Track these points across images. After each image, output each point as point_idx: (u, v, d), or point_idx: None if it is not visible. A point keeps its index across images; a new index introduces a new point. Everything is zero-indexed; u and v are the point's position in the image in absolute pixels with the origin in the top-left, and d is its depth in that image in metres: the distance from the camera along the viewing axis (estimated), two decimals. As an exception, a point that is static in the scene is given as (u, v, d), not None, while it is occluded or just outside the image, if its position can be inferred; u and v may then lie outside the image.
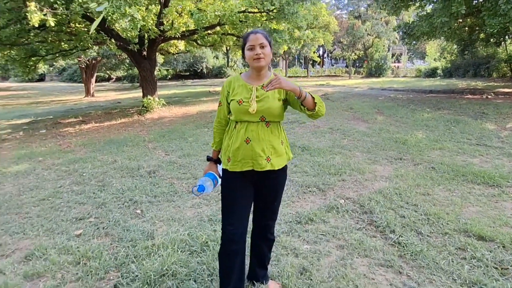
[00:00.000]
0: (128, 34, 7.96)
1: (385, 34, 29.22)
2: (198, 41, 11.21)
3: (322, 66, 39.10)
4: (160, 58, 20.57)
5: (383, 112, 8.57)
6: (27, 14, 5.65)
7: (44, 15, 5.78)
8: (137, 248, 2.54)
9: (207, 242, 2.56)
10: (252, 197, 1.81)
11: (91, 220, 3.10)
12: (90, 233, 2.85)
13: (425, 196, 3.44)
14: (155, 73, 10.42)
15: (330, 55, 40.65)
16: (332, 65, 42.96)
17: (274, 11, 8.27)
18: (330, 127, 6.91)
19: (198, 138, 6.42)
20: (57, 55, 10.36)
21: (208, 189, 1.77)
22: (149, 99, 9.71)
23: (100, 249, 2.54)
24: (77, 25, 8.90)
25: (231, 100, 1.71)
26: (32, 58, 9.39)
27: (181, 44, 12.53)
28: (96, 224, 3.01)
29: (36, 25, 5.83)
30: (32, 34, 8.01)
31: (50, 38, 8.68)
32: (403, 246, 2.50)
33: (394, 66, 31.11)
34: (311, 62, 36.55)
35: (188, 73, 32.61)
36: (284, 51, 20.14)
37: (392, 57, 33.67)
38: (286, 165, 1.81)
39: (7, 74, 19.38)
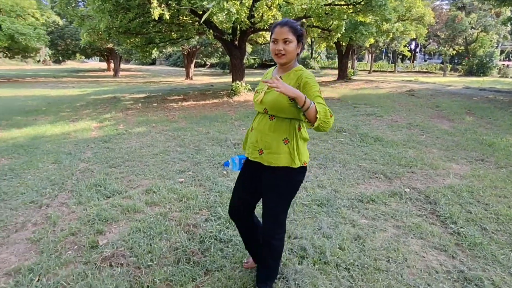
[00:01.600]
0: (224, 26, 8.65)
1: (494, 27, 24.99)
2: None
3: (412, 61, 35.56)
4: (248, 48, 21.49)
5: (474, 113, 7.70)
6: (150, 9, 6.71)
7: (162, 10, 6.79)
8: (222, 197, 3.08)
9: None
10: (251, 182, 1.75)
11: (190, 173, 3.78)
12: (189, 182, 3.51)
13: (500, 198, 3.22)
14: (244, 61, 11.11)
15: (423, 50, 36.59)
16: (425, 61, 38.68)
17: (362, 3, 8.00)
18: (408, 122, 6.59)
19: (277, 121, 6.84)
20: (167, 43, 11.84)
21: (233, 167, 1.94)
22: (237, 84, 10.47)
23: (196, 193, 3.15)
24: (184, 18, 10.03)
25: None
26: (149, 45, 10.95)
27: (268, 35, 12.94)
28: (193, 177, 3.67)
29: (156, 18, 6.88)
30: (151, 25, 9.37)
31: (163, 29, 10.01)
32: (462, 237, 2.50)
33: (503, 64, 26.49)
34: (400, 56, 33.59)
35: (273, 63, 33.20)
36: (371, 44, 18.99)
37: (500, 54, 28.69)
38: (289, 168, 1.60)
39: (130, 57, 22.74)
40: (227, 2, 6.60)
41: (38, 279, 1.98)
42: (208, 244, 2.31)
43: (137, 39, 9.96)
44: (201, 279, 1.97)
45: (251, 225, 1.89)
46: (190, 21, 9.93)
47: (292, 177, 1.64)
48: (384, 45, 25.94)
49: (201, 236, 2.41)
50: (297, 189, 1.73)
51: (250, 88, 10.86)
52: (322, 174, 3.77)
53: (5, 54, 19.49)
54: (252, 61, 33.76)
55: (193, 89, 14.62)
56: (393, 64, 31.17)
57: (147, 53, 12.12)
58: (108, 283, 1.91)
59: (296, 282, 1.95)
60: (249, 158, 1.71)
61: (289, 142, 1.60)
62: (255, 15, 8.24)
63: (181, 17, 9.81)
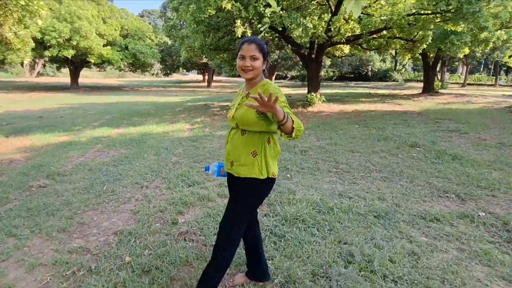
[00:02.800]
0: (302, 40, 8.78)
1: None
2: (363, 45, 10.96)
3: (520, 74, 29.61)
4: (327, 61, 21.12)
5: None
6: (234, 28, 7.33)
7: (245, 28, 7.33)
8: (282, 197, 3.21)
9: (333, 207, 2.95)
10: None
11: (258, 174, 4.03)
12: (256, 181, 3.75)
13: None
14: (322, 73, 11.06)
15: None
16: (538, 74, 31.74)
17: (451, 11, 7.14)
18: (500, 142, 5.62)
19: (347, 132, 6.64)
20: None
21: (212, 173, 1.84)
22: (312, 95, 10.47)
23: (260, 192, 3.37)
24: (265, 34, 10.59)
25: None
26: (236, 60, 11.91)
27: (346, 48, 12.57)
28: (260, 177, 3.90)
29: (239, 36, 7.46)
30: (237, 42, 10.23)
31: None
32: (542, 272, 2.10)
33: None
34: (504, 68, 28.37)
35: (352, 75, 31.90)
36: (465, 55, 16.58)
37: None
38: (254, 179, 1.57)
39: (221, 70, 24.83)
40: (304, 18, 6.75)
41: (134, 241, 2.45)
42: (264, 235, 2.48)
43: (225, 55, 10.90)
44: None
45: (253, 235, 1.89)
46: (271, 37, 10.40)
47: (257, 188, 1.61)
48: (483, 55, 22.34)
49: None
50: (260, 201, 1.70)
51: (324, 99, 10.74)
52: (386, 187, 3.56)
53: (130, 69, 23.50)
54: (331, 73, 33.01)
55: (272, 99, 15.10)
56: (494, 77, 26.51)
57: (235, 67, 13.12)
58: (180, 253, 2.25)
59: (339, 283, 1.96)
60: (226, 170, 1.71)
61: (257, 154, 1.58)
62: (332, 29, 8.17)
63: (263, 34, 10.35)
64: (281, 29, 8.56)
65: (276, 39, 10.34)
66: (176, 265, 2.14)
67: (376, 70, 30.49)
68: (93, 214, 2.97)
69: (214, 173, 1.83)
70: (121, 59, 19.99)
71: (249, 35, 7.54)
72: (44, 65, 28.17)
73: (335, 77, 33.08)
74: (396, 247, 2.34)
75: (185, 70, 36.06)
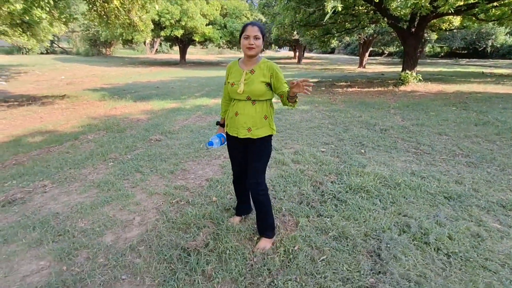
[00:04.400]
0: (402, 12, 7.86)
1: None
2: (479, 15, 8.95)
3: None
4: (433, 35, 18.12)
5: None
6: (325, 3, 7.09)
7: (336, 2, 7.01)
8: (351, 169, 3.34)
9: (400, 183, 2.95)
10: (244, 153, 2.07)
11: (332, 146, 4.19)
12: (329, 153, 3.94)
13: None
14: (427, 49, 9.78)
15: None
16: None
17: None
18: None
19: (439, 114, 5.96)
20: (342, 33, 11.96)
21: (216, 145, 2.03)
22: (407, 73, 9.45)
23: (331, 162, 3.57)
24: (359, 7, 9.80)
25: (227, 82, 1.98)
26: (326, 36, 11.46)
27: (456, 20, 10.54)
28: (334, 149, 4.06)
29: (329, 11, 7.20)
30: (327, 17, 9.82)
31: (338, 20, 10.20)
32: None
33: None
34: None
35: (465, 51, 26.55)
36: None
37: None
38: (269, 136, 1.98)
39: (311, 47, 24.17)
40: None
41: (220, 187, 3.05)
42: (326, 198, 2.74)
43: (315, 31, 10.67)
44: (313, 218, 2.46)
45: (244, 181, 2.21)
46: (365, 10, 9.63)
47: (269, 142, 2.01)
48: None
49: (323, 192, 2.86)
50: (270, 152, 2.07)
51: (420, 78, 9.59)
52: (468, 172, 3.27)
53: (227, 46, 25.20)
54: (438, 49, 28.21)
55: (362, 77, 14.21)
56: None
57: (325, 43, 12.71)
58: (255, 199, 2.73)
59: (388, 245, 2.10)
60: (239, 136, 1.97)
61: (267, 117, 1.95)
62: (439, -2, 7.09)
63: (356, 7, 9.66)
64: (377, 0, 7.89)
65: (371, 12, 9.55)
66: (250, 207, 2.63)
67: (498, 46, 24.60)
68: (192, 164, 3.73)
69: (218, 144, 2.05)
70: (220, 37, 21.58)
71: (339, 10, 7.24)
72: (160, 44, 32.64)
73: (442, 53, 28.23)
74: (460, 227, 2.28)
75: (276, 47, 36.40)
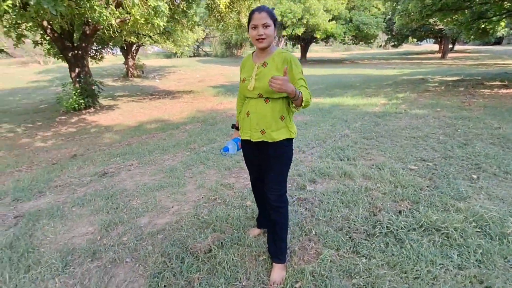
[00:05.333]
0: None
1: None
2: None
3: None
4: None
5: None
6: None
7: None
8: (440, 199, 2.43)
9: (510, 234, 1.90)
10: (261, 161, 1.79)
11: (430, 164, 3.18)
12: (421, 172, 3.00)
13: None
14: None
15: None
16: None
17: None
18: None
19: None
20: (503, 16, 8.88)
21: (232, 150, 1.82)
22: None
23: (416, 185, 2.71)
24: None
25: (240, 78, 1.73)
26: (477, 21, 8.80)
27: None
28: (430, 169, 3.07)
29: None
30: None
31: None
32: None
33: None
34: None
35: None
36: None
37: None
38: (287, 139, 1.68)
39: (465, 38, 19.49)
40: None
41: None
42: (377, 231, 2.07)
43: (459, 15, 8.41)
44: (343, 253, 1.90)
45: (261, 187, 1.94)
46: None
47: (291, 146, 1.73)
48: None
49: (377, 222, 2.18)
50: (292, 158, 1.77)
51: None
52: None
53: (353, 42, 23.59)
54: None
55: (536, 74, 10.33)
56: None
57: (479, 31, 9.91)
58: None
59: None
60: (252, 140, 1.70)
61: (284, 118, 1.65)
62: None
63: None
64: None
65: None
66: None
67: None
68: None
69: (234, 150, 1.83)
70: (344, 32, 20.42)
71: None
72: (286, 43, 34.05)
73: None
74: None
75: (415, 40, 31.38)
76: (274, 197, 1.73)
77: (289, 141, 1.70)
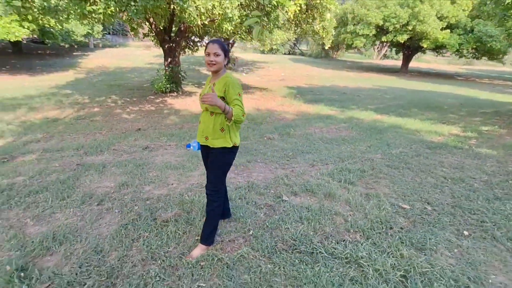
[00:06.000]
0: None
1: None
2: None
3: None
4: None
5: None
6: None
7: None
8: (401, 241, 2.38)
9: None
10: (205, 158, 2.28)
11: (427, 208, 2.98)
12: (409, 213, 2.88)
13: None
14: None
15: None
16: None
17: None
18: None
19: None
20: None
21: (194, 148, 2.31)
22: None
23: (386, 224, 2.68)
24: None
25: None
26: None
27: None
28: (423, 211, 2.89)
29: None
30: None
31: None
32: None
33: None
34: None
35: None
36: None
37: None
38: (225, 148, 2.09)
39: None
40: None
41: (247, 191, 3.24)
42: (302, 249, 2.26)
43: None
44: (263, 254, 2.19)
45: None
46: None
47: (226, 154, 2.12)
48: None
49: (309, 242, 2.34)
50: (230, 163, 2.20)
51: None
52: None
53: (473, 55, 20.14)
54: None
55: None
56: None
57: None
58: (248, 216, 2.75)
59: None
60: (200, 143, 2.20)
61: (224, 130, 2.07)
62: None
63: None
64: None
65: None
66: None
67: None
68: (260, 165, 4.02)
69: (194, 148, 2.28)
70: (460, 44, 17.66)
71: None
72: (390, 49, 31.37)
73: None
74: None
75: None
76: (208, 191, 2.19)
77: (225, 149, 2.09)
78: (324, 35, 7.85)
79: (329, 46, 9.38)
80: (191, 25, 7.50)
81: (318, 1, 6.25)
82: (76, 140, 4.94)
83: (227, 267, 2.06)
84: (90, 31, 18.27)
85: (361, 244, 2.34)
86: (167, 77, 9.27)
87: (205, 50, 2.02)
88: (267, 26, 9.20)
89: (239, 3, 5.66)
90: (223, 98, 1.99)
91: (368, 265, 2.08)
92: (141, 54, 21.85)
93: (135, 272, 2.01)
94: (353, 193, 3.23)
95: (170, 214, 2.70)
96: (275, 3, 6.02)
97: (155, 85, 9.41)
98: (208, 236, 2.22)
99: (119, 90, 10.45)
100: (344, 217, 2.74)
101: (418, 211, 2.92)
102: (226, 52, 2.02)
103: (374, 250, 2.26)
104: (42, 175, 3.48)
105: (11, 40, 11.59)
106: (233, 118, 1.92)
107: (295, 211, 2.82)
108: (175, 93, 9.62)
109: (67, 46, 19.40)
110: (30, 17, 6.14)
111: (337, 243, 2.34)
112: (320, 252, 2.23)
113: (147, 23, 8.33)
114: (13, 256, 2.10)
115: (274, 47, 15.72)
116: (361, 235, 2.48)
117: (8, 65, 14.42)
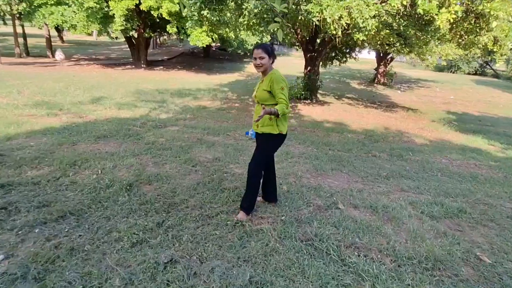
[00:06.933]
0: None
1: None
2: None
3: None
4: None
5: None
6: None
7: None
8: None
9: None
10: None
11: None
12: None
13: None
14: None
15: None
16: None
17: None
18: None
19: None
20: None
21: (252, 136, 2.75)
22: None
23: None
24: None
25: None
26: None
27: None
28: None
29: None
30: None
31: None
32: None
33: None
34: None
35: None
36: None
37: None
38: (272, 134, 2.59)
39: None
40: None
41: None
42: (309, 240, 2.40)
43: None
44: (276, 234, 2.51)
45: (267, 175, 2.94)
46: None
47: (273, 139, 2.62)
48: None
49: (319, 236, 2.43)
50: (275, 149, 2.78)
51: None
52: None
53: None
54: None
55: None
56: None
57: None
58: (292, 205, 3.09)
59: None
60: (254, 130, 2.70)
61: (271, 119, 2.54)
62: None
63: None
64: None
65: None
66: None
67: None
68: (392, 181, 4.12)
69: (252, 135, 2.76)
70: None
71: None
72: None
73: None
74: None
75: None
76: (250, 167, 2.70)
77: (272, 136, 2.59)
78: (496, 49, 6.51)
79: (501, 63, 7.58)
80: (333, 36, 8.03)
81: (480, 7, 5.33)
82: (208, 123, 6.50)
83: (243, 232, 2.54)
84: (260, 41, 21.83)
85: (382, 264, 2.24)
86: (303, 84, 10.17)
87: (252, 54, 2.55)
88: (423, 38, 8.48)
89: (375, 12, 5.70)
90: (270, 92, 2.50)
91: (368, 282, 2.04)
92: (298, 63, 24.03)
93: (184, 208, 2.82)
94: (425, 225, 2.90)
95: (231, 185, 3.40)
96: (421, 11, 5.66)
97: (292, 91, 10.49)
98: (247, 206, 2.75)
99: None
100: (388, 240, 2.60)
101: (501, 269, 2.35)
102: (270, 53, 2.51)
103: (389, 278, 2.14)
104: (174, 140, 4.97)
105: (202, 46, 15.73)
106: (280, 114, 2.40)
107: (340, 219, 2.88)
108: (308, 100, 10.39)
109: (241, 53, 24.01)
110: (206, 28, 8.43)
111: (357, 255, 2.34)
112: (331, 253, 2.33)
113: (294, 33, 9.48)
114: (128, 178, 3.36)
115: (443, 63, 13.76)
116: (391, 260, 2.34)
117: (196, 66, 19.54)
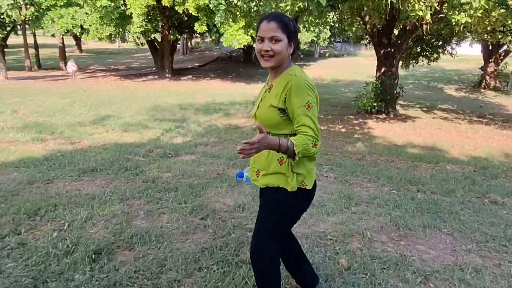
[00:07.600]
0: None
1: None
2: None
3: None
4: None
5: None
6: None
7: None
8: None
9: None
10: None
11: None
12: None
13: None
14: None
15: None
16: None
17: None
18: None
19: None
20: None
21: (247, 180, 1.95)
22: None
23: None
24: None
25: None
26: None
27: None
28: None
29: None
30: None
31: None
32: None
33: None
34: None
35: None
36: None
37: None
38: (280, 188, 1.67)
39: None
40: None
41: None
42: None
43: None
44: None
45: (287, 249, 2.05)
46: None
47: (283, 199, 1.69)
48: None
49: None
50: (292, 215, 1.81)
51: None
52: None
53: None
54: None
55: None
56: None
57: None
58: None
59: None
60: (251, 180, 1.85)
61: (284, 162, 1.64)
62: None
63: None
64: None
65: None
66: None
67: None
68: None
69: (247, 179, 1.95)
70: None
71: None
72: None
73: None
74: None
75: None
76: (251, 248, 1.85)
77: (282, 191, 1.67)
78: None
79: None
80: (417, 22, 7.24)
81: None
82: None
83: None
84: (315, 38, 21.47)
85: None
86: (375, 92, 9.32)
87: (257, 32, 1.64)
88: None
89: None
90: (281, 110, 1.61)
91: None
92: (368, 65, 23.11)
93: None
94: None
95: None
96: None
97: (359, 102, 9.69)
98: None
99: (320, 105, 11.66)
100: None
101: None
102: (291, 34, 1.60)
103: None
104: (184, 176, 4.50)
105: (241, 49, 15.79)
106: (298, 154, 1.49)
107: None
108: (383, 114, 9.48)
109: (292, 55, 23.92)
110: (241, 23, 8.17)
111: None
112: None
113: (360, 22, 8.81)
114: (100, 239, 2.89)
115: None
116: None
117: (233, 73, 19.70)
